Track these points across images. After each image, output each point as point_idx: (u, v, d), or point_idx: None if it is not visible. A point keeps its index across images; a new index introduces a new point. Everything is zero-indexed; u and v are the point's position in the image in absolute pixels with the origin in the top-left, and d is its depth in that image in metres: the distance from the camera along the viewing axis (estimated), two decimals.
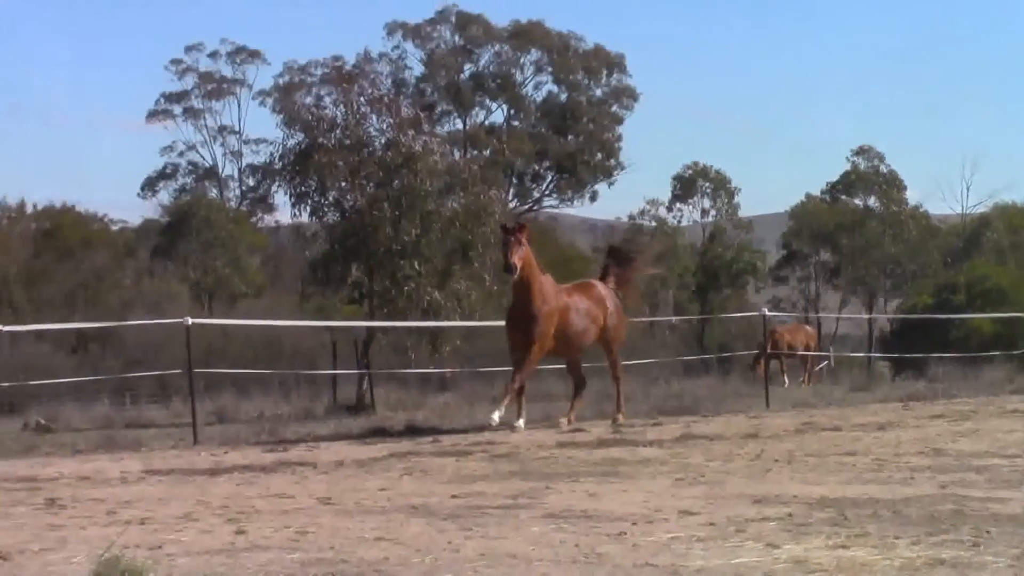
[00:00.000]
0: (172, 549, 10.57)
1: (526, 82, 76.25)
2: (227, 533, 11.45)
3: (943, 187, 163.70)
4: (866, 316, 71.93)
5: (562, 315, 22.06)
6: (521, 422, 21.62)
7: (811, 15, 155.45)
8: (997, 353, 39.51)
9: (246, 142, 78.08)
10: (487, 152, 56.40)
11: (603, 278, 24.69)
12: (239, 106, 79.28)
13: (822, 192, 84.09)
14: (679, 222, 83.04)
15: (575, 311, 22.45)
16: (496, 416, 21.20)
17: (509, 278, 21.47)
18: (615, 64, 76.15)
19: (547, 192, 77.27)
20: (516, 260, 20.88)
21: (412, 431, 21.64)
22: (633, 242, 23.93)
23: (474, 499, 13.38)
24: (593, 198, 78.25)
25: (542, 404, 26.66)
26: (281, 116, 62.08)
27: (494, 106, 76.27)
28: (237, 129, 79.34)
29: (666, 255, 21.73)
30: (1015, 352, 40.31)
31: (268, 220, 75.21)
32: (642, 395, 28.99)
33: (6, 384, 31.98)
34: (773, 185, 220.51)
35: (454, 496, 13.66)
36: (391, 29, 74.54)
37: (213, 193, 77.46)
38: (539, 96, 76.17)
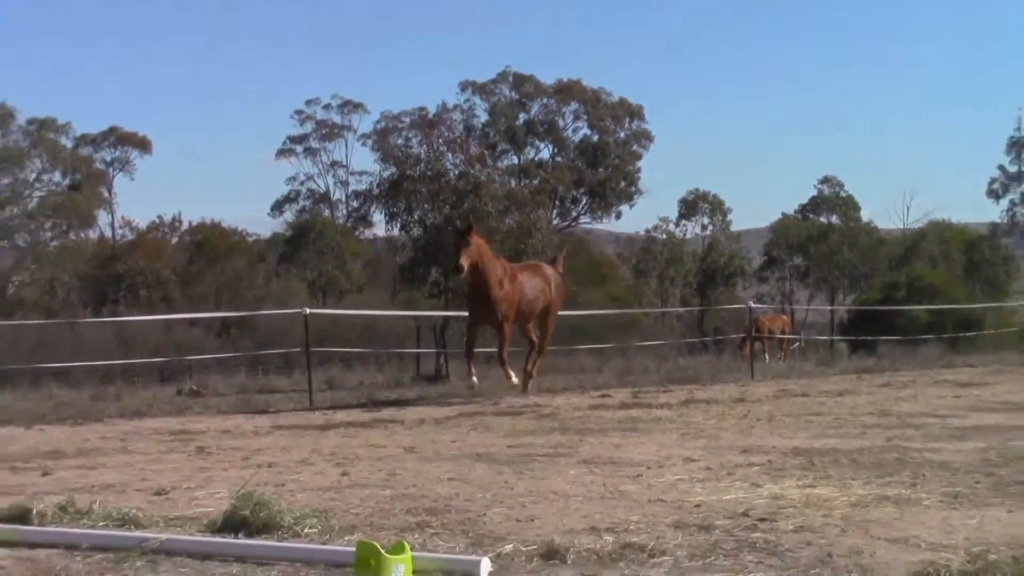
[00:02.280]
0: (292, 487, 10.62)
1: (567, 127, 76.11)
2: (335, 474, 11.48)
3: (889, 207, 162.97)
4: (829, 308, 71.64)
5: (519, 292, 21.45)
6: (515, 379, 21.48)
7: (786, 71, 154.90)
8: (931, 336, 39.40)
9: (351, 173, 78.04)
10: (536, 181, 56.23)
11: (552, 263, 24.12)
12: (346, 146, 79.31)
13: (795, 211, 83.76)
14: (684, 235, 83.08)
15: (528, 288, 21.76)
16: (515, 380, 21.23)
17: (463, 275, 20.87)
18: (635, 113, 75.94)
19: (582, 212, 77.01)
20: (464, 261, 20.08)
21: (477, 396, 21.61)
22: (562, 251, 23.99)
23: (525, 449, 13.37)
24: (618, 216, 77.93)
25: (577, 375, 26.62)
26: (378, 154, 62.42)
27: (542, 145, 76.14)
28: (345, 163, 79.32)
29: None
30: (944, 335, 40.23)
31: (367, 233, 75.18)
32: (655, 369, 28.88)
33: (166, 359, 32.13)
34: (757, 205, 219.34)
35: (509, 446, 13.65)
36: (463, 86, 74.52)
37: (326, 213, 77.38)
38: (577, 138, 75.99)
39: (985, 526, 8.22)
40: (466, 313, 21.80)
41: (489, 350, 23.38)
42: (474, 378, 21.00)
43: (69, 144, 74.20)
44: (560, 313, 37.60)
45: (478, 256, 20.46)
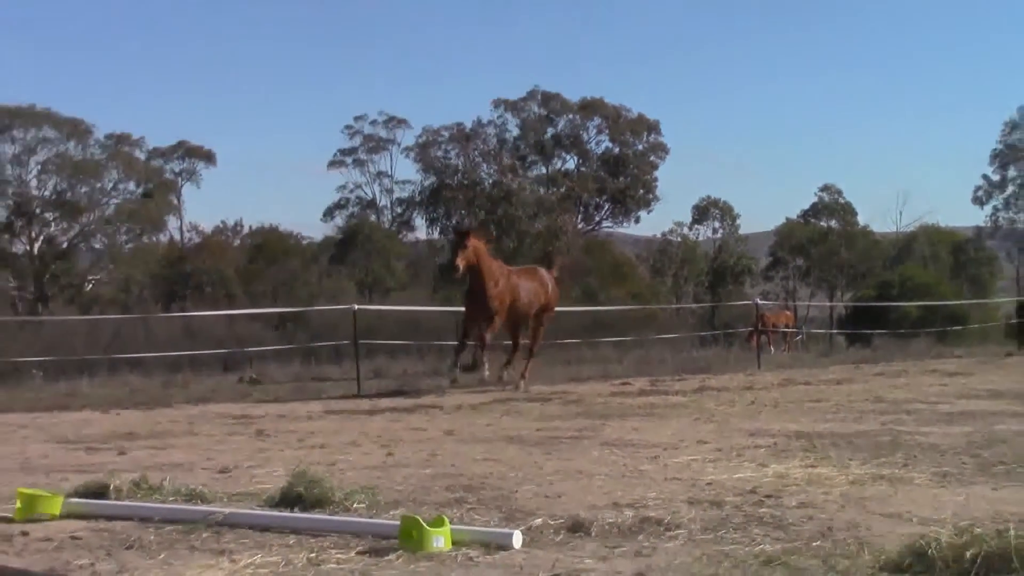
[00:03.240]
0: (342, 465, 10.64)
1: (590, 140, 75.92)
2: (380, 455, 11.50)
3: (884, 212, 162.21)
4: (828, 304, 71.47)
5: (513, 293, 20.96)
6: (488, 372, 20.71)
7: (790, 86, 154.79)
8: (921, 330, 39.34)
9: (396, 182, 77.80)
10: (563, 189, 56.43)
11: (548, 267, 23.67)
12: (391, 157, 79.03)
13: (798, 216, 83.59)
14: (697, 238, 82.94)
15: (522, 290, 21.26)
16: (487, 373, 20.54)
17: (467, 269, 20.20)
18: (652, 127, 75.80)
19: (605, 217, 76.86)
20: (459, 262, 19.88)
21: (508, 385, 21.55)
22: (559, 255, 23.41)
23: (552, 432, 13.38)
24: (637, 221, 77.80)
25: (599, 365, 26.59)
26: (420, 165, 62.65)
27: (568, 157, 75.87)
28: (390, 173, 79.04)
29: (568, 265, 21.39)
30: (933, 329, 40.16)
31: (410, 237, 75.11)
32: (671, 359, 28.83)
33: (228, 350, 32.22)
34: (763, 210, 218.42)
35: (538, 429, 13.66)
36: (496, 104, 74.25)
37: (372, 218, 77.35)
38: (599, 150, 75.79)
39: (971, 503, 8.21)
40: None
41: (506, 343, 23.03)
42: (458, 370, 20.46)
43: (142, 157, 74.53)
44: (585, 308, 37.55)
45: (475, 257, 20.14)
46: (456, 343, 21.76)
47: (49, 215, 70.64)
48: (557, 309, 29.61)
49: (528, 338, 22.21)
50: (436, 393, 19.67)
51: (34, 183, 70.02)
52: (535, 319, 22.07)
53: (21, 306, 66.50)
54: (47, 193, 70.30)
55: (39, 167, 69.87)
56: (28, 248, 70.49)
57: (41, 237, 70.70)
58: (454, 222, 32.68)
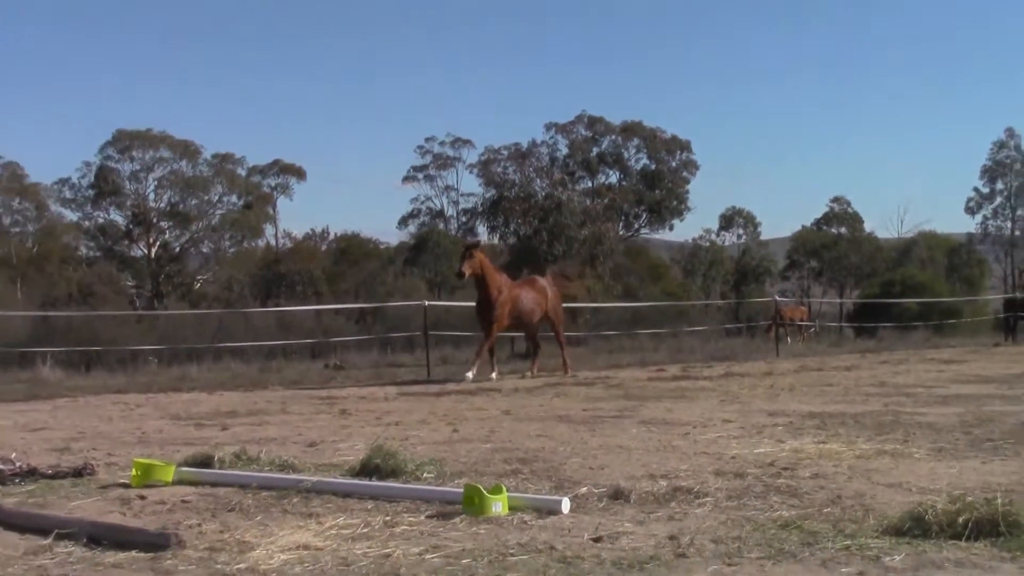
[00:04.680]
0: (414, 440, 10.65)
1: (630, 158, 75.72)
2: (447, 431, 11.51)
3: (887, 220, 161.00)
4: (838, 300, 70.94)
5: (514, 302, 20.35)
6: (494, 375, 19.82)
7: (808, 110, 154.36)
8: (920, 323, 39.00)
9: (461, 195, 77.97)
10: (606, 200, 56.27)
11: (545, 275, 23.27)
12: (457, 173, 79.17)
13: (812, 224, 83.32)
14: (723, 243, 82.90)
15: (524, 299, 20.65)
16: (470, 375, 19.39)
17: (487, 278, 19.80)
18: (684, 147, 75.45)
19: (643, 225, 76.63)
20: (465, 269, 19.49)
21: (558, 370, 21.51)
22: (567, 267, 22.90)
23: (596, 412, 13.34)
24: (671, 228, 77.46)
25: (637, 354, 26.53)
26: (482, 179, 62.62)
27: (610, 172, 75.80)
28: (456, 187, 79.27)
29: (577, 273, 21.07)
30: (931, 323, 39.83)
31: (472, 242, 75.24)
32: (700, 348, 28.74)
33: (316, 340, 32.36)
34: (782, 218, 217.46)
35: (584, 409, 13.63)
36: (548, 127, 74.25)
37: (441, 226, 77.57)
38: (638, 166, 75.62)
39: (963, 474, 8.14)
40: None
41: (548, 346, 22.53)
42: (469, 374, 19.45)
43: (243, 173, 75.00)
44: (625, 304, 37.37)
45: (480, 268, 19.73)
46: (479, 346, 21.35)
47: (164, 224, 71.52)
48: (597, 305, 29.48)
49: (539, 341, 21.88)
50: (456, 381, 19.20)
51: (151, 196, 70.88)
52: (548, 321, 21.58)
53: (139, 302, 67.22)
54: (162, 205, 71.24)
55: (156, 182, 70.86)
56: (146, 252, 71.39)
57: (157, 243, 71.50)
58: (512, 229, 32.75)
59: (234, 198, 73.66)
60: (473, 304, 21.09)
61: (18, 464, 8.85)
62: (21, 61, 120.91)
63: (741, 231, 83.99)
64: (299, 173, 79.55)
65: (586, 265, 28.93)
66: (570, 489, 7.60)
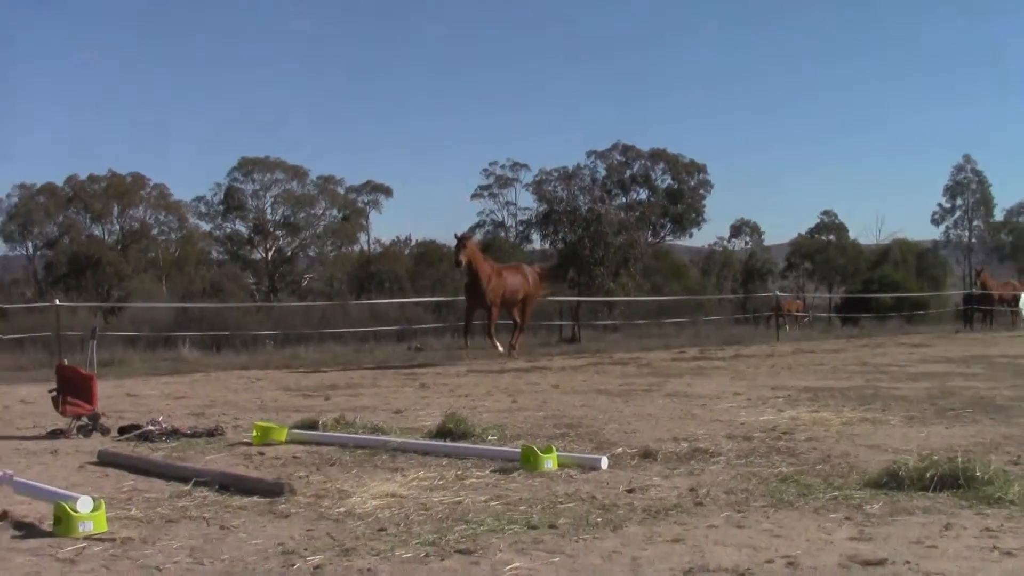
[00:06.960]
0: (480, 409, 10.68)
1: (657, 178, 75.29)
2: (507, 402, 11.54)
3: (868, 228, 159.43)
4: (828, 295, 70.26)
5: (501, 285, 19.87)
6: (501, 348, 19.73)
7: (805, 137, 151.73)
8: (894, 314, 38.64)
9: (519, 209, 77.92)
10: (637, 213, 55.98)
11: (530, 264, 22.95)
12: (515, 191, 79.01)
13: (806, 232, 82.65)
14: (733, 248, 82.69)
15: (509, 280, 20.24)
16: (501, 348, 19.63)
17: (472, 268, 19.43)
18: (701, 169, 74.88)
19: (667, 233, 76.25)
20: (461, 258, 19.04)
21: (599, 352, 21.52)
22: (546, 267, 22.44)
23: (629, 386, 13.33)
24: (690, 236, 77.04)
25: (663, 339, 26.40)
26: (536, 196, 62.51)
27: (640, 190, 75.46)
28: (514, 202, 79.27)
29: (552, 275, 20.70)
30: (903, 314, 39.47)
31: (528, 247, 74.99)
32: (715, 335, 28.59)
33: (401, 326, 32.48)
34: (782, 228, 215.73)
35: (620, 384, 13.62)
36: (588, 153, 74.10)
37: (502, 235, 77.58)
38: (663, 185, 75.27)
39: (930, 438, 8.09)
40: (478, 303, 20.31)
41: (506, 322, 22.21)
42: (500, 348, 19.61)
43: (342, 191, 75.42)
44: (652, 298, 37.11)
45: (472, 257, 19.39)
46: (463, 324, 21.11)
47: (278, 233, 72.26)
48: (629, 299, 29.28)
49: (519, 318, 21.31)
50: (457, 360, 19.08)
51: (269, 211, 71.74)
52: (522, 303, 21.04)
53: (258, 296, 67.93)
54: (277, 217, 71.96)
55: (272, 199, 71.69)
56: (264, 256, 72.21)
57: (272, 248, 72.25)
58: (560, 236, 32.78)
59: (335, 211, 74.20)
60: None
61: (164, 425, 9.02)
62: (166, 102, 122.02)
63: (748, 238, 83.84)
64: (387, 191, 79.69)
65: (616, 267, 28.56)
66: (608, 449, 7.61)
